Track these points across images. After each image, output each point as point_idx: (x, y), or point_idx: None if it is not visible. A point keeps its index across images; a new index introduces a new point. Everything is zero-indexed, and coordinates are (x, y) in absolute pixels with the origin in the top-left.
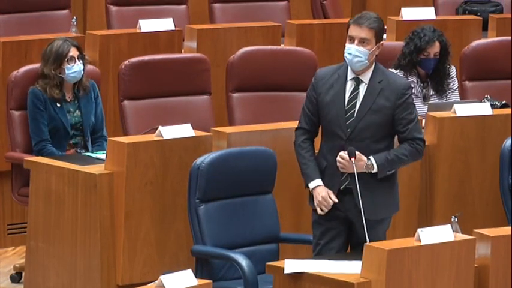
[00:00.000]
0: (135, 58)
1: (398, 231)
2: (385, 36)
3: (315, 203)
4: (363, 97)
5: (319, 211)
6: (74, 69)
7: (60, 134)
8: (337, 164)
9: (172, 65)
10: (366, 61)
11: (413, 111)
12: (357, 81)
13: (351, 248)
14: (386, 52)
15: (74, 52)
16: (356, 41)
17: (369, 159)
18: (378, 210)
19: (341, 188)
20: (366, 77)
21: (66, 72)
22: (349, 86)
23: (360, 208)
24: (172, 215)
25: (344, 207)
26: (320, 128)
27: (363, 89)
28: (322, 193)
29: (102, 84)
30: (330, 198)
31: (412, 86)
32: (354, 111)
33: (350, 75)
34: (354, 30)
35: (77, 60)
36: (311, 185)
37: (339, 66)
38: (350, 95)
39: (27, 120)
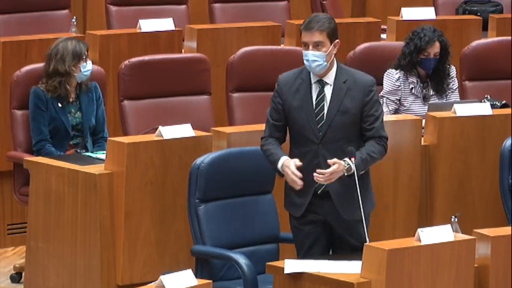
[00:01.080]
0: (135, 58)
1: (398, 231)
2: (384, 36)
3: (289, 182)
4: (330, 99)
5: (297, 187)
6: (88, 67)
7: (61, 134)
8: (316, 178)
9: (172, 65)
10: (325, 63)
11: (379, 108)
12: (322, 84)
13: (333, 252)
14: (386, 52)
15: (87, 52)
16: (310, 46)
17: (344, 160)
18: (355, 210)
19: (319, 192)
20: (329, 79)
21: (82, 70)
22: (315, 89)
23: (360, 209)
24: (172, 215)
25: (323, 211)
26: (288, 135)
27: (328, 90)
28: (289, 168)
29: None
30: (295, 172)
31: (412, 86)
32: (323, 114)
33: (313, 78)
34: (305, 36)
35: (89, 58)
36: (279, 165)
37: (301, 70)
38: (317, 98)
39: (29, 120)
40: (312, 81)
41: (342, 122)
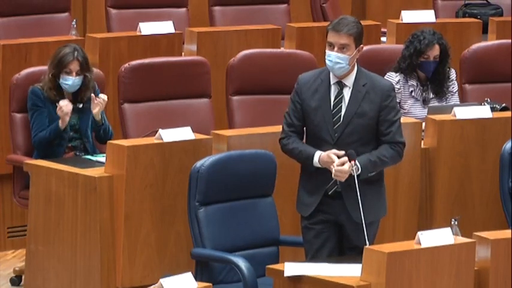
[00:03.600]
0: (135, 61)
1: (398, 234)
2: (384, 38)
3: (333, 176)
4: (349, 101)
5: (342, 179)
6: (68, 82)
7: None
8: (334, 174)
9: (172, 68)
10: (347, 66)
11: (397, 113)
12: (340, 85)
13: (343, 253)
14: (386, 55)
15: (74, 66)
16: (336, 48)
17: (355, 161)
18: (367, 214)
19: (330, 192)
20: (349, 81)
21: (61, 80)
22: (333, 90)
23: (360, 211)
24: (172, 218)
25: (334, 211)
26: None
27: (347, 92)
28: (327, 159)
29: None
30: (334, 158)
31: (412, 89)
32: (341, 115)
33: (333, 79)
34: (332, 37)
35: (75, 74)
36: (315, 160)
37: (322, 71)
38: (335, 100)
39: (28, 123)
40: (331, 83)
41: (358, 125)
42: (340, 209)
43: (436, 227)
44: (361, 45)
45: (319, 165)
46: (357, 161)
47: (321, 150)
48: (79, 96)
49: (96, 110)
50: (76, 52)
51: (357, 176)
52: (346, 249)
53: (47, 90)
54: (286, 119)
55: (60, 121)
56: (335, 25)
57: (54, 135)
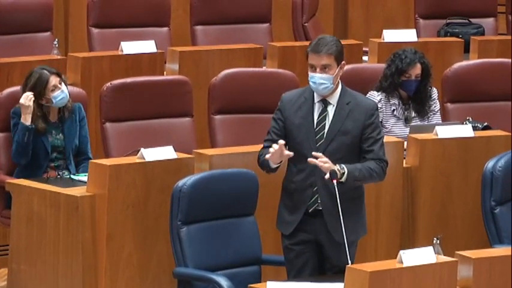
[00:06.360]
0: (117, 80)
1: (380, 253)
2: (366, 58)
3: (269, 158)
4: (332, 119)
5: (271, 156)
6: (60, 96)
7: (40, 155)
8: (319, 163)
9: (154, 87)
10: (332, 85)
11: (380, 132)
12: (325, 103)
13: (324, 273)
14: (368, 74)
15: (55, 80)
16: (318, 69)
17: (340, 165)
18: (347, 233)
19: (310, 210)
20: (333, 99)
21: (54, 101)
22: (317, 108)
23: (342, 229)
24: (155, 237)
25: (314, 230)
26: None
27: (331, 110)
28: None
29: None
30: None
31: (394, 108)
32: (324, 133)
33: (317, 97)
34: (313, 59)
35: (59, 86)
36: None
37: (305, 89)
38: (318, 117)
39: (11, 142)
40: (315, 101)
41: (341, 143)
42: (320, 228)
43: (418, 246)
44: (343, 62)
45: (275, 165)
46: (343, 166)
47: (303, 166)
48: (65, 109)
49: None
50: (45, 70)
51: (343, 183)
52: (327, 269)
53: (34, 121)
54: (266, 136)
55: (23, 119)
56: (314, 46)
57: (22, 134)
